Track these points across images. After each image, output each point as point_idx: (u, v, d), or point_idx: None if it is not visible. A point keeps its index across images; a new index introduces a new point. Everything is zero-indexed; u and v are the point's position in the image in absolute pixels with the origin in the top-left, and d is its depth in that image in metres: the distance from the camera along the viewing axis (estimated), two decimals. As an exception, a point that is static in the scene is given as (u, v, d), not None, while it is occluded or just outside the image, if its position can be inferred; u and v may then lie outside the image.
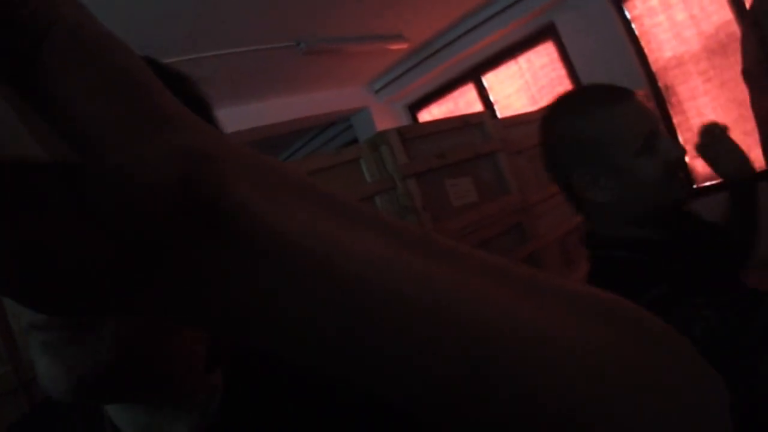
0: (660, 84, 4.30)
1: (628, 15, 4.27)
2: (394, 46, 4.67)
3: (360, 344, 0.21)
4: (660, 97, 4.31)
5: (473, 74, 5.35)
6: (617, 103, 1.02)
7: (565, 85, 4.61)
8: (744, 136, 3.31)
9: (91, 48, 0.18)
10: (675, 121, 4.29)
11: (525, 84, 5.04)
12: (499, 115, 5.00)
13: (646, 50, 4.27)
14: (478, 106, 5.33)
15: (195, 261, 0.19)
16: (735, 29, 3.79)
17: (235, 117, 4.55)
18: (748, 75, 1.40)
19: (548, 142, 1.10)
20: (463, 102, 5.54)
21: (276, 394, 0.49)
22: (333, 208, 0.22)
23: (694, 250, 1.04)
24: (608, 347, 0.24)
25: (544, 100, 4.64)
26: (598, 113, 1.02)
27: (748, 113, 1.38)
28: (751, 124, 1.43)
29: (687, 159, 1.02)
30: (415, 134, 2.40)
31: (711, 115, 4.06)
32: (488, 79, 5.30)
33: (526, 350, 0.22)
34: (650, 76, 4.30)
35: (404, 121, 5.85)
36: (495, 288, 0.23)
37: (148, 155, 0.18)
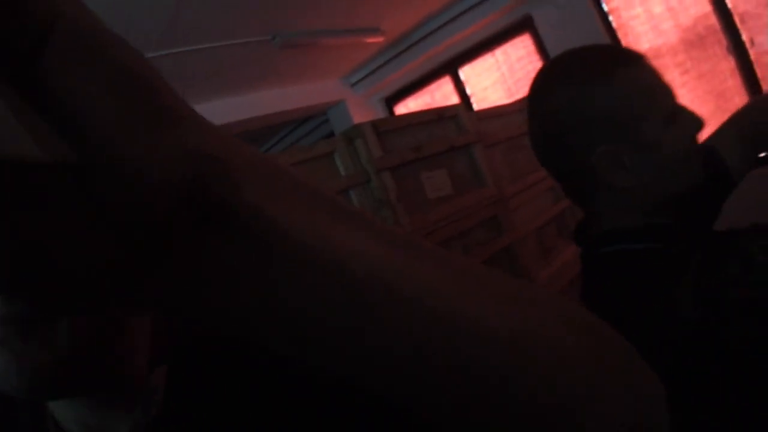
0: (637, 76, 4.30)
1: (605, 7, 4.25)
2: (371, 40, 4.63)
3: (359, 340, 0.22)
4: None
5: (450, 67, 5.31)
6: (638, 65, 0.85)
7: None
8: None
9: (93, 46, 0.18)
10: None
11: (501, 77, 5.01)
12: (475, 107, 4.99)
13: (623, 43, 4.24)
14: (454, 99, 5.30)
15: (197, 258, 0.20)
16: (713, 21, 3.78)
17: (211, 112, 4.45)
18: None
19: (551, 119, 0.89)
20: (440, 95, 5.50)
21: (219, 393, 0.48)
22: (330, 206, 0.23)
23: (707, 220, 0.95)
24: (575, 348, 0.26)
25: (521, 92, 4.63)
26: (622, 76, 0.83)
27: (726, 105, 1.34)
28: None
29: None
30: (389, 127, 2.36)
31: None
32: (465, 72, 5.27)
33: (514, 349, 0.24)
34: (627, 69, 4.31)
35: (381, 114, 5.81)
36: (477, 289, 0.25)
37: (154, 153, 0.18)
